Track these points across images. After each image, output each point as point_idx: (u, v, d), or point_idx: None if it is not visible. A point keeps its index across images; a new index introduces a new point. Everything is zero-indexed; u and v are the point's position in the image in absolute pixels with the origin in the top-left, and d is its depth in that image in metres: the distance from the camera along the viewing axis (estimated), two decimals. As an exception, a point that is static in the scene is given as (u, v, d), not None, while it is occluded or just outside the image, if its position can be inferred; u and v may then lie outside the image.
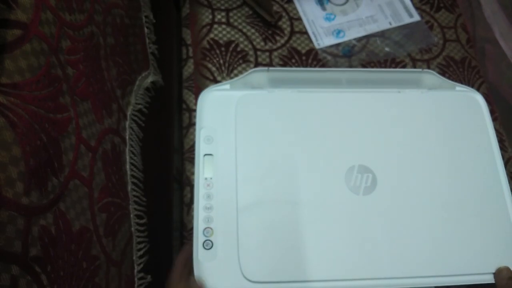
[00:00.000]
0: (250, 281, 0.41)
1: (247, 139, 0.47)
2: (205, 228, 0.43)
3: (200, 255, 0.42)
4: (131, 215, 0.44)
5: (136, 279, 0.44)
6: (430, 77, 0.53)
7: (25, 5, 0.28)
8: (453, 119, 0.50)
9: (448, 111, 0.51)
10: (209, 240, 0.42)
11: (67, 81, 0.32)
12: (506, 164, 0.65)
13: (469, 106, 0.51)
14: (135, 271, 0.44)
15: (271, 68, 0.50)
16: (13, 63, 0.26)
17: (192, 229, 0.44)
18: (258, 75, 0.50)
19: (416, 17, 0.73)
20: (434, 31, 0.74)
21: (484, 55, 0.72)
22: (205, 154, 0.46)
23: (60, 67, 0.31)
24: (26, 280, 0.25)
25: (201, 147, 0.46)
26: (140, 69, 0.52)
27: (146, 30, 0.55)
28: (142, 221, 0.46)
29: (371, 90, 0.51)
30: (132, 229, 0.44)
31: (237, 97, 0.49)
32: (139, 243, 0.45)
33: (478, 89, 0.69)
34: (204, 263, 0.42)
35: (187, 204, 0.60)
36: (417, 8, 0.74)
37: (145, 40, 0.55)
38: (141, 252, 0.45)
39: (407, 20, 0.73)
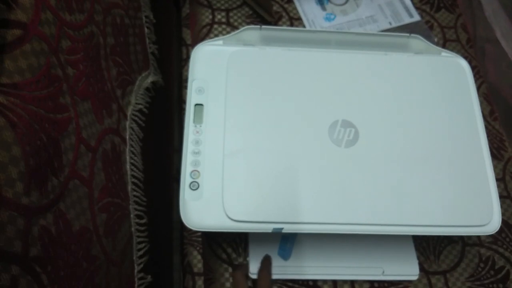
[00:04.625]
0: (232, 219, 0.44)
1: (236, 92, 0.49)
2: (192, 171, 0.45)
3: (186, 195, 0.44)
4: (131, 215, 0.44)
5: (136, 279, 0.44)
6: (417, 42, 0.54)
7: (25, 5, 0.28)
8: (437, 81, 0.52)
9: (432, 73, 0.53)
10: (195, 181, 0.45)
11: (67, 81, 0.32)
12: (506, 164, 0.65)
13: (453, 70, 0.53)
14: (135, 271, 0.44)
15: (263, 26, 0.52)
16: (13, 63, 0.26)
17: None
18: (250, 32, 0.52)
19: (416, 17, 0.73)
20: (434, 31, 0.74)
21: (485, 55, 0.72)
22: (196, 104, 0.48)
23: (60, 67, 0.31)
24: (27, 280, 0.25)
25: (192, 97, 0.48)
26: (140, 69, 0.52)
27: (146, 30, 0.55)
28: (142, 221, 0.46)
29: (359, 51, 0.53)
30: (132, 229, 0.44)
31: (229, 52, 0.51)
32: (139, 243, 0.45)
33: (478, 89, 0.69)
34: (190, 202, 0.44)
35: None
36: (417, 8, 0.74)
37: (145, 40, 0.55)
38: (141, 252, 0.45)
39: (407, 20, 0.73)
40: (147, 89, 0.53)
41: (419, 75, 0.52)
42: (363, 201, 0.45)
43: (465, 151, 0.48)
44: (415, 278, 0.55)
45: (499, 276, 0.58)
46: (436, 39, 0.73)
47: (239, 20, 0.71)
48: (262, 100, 0.48)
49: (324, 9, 0.73)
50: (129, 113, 0.48)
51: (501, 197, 0.61)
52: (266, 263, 0.53)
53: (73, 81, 0.33)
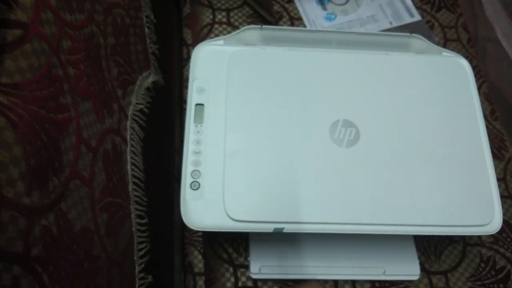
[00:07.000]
0: (233, 219, 0.44)
1: (237, 91, 0.49)
2: (193, 171, 0.46)
3: (187, 195, 0.45)
4: (132, 215, 0.44)
5: (137, 279, 0.44)
6: (418, 41, 0.54)
7: (26, 5, 0.27)
8: (437, 81, 0.52)
9: (433, 73, 0.53)
10: (196, 181, 0.45)
11: (68, 81, 0.32)
12: (507, 163, 0.65)
13: (454, 70, 0.53)
14: (136, 271, 0.44)
15: (264, 26, 0.52)
16: (14, 63, 0.26)
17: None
18: (251, 32, 0.53)
19: (417, 17, 0.73)
20: (435, 30, 0.74)
21: (485, 55, 0.72)
22: (197, 104, 0.48)
23: (61, 67, 0.31)
24: (28, 280, 0.25)
25: (193, 97, 0.49)
26: (141, 69, 0.52)
27: (146, 30, 0.55)
28: (143, 221, 0.46)
29: (359, 51, 0.53)
30: (133, 229, 0.44)
31: (230, 52, 0.51)
32: (140, 243, 0.45)
33: (479, 89, 0.69)
34: (191, 202, 0.44)
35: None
36: (418, 8, 0.74)
37: (145, 40, 0.55)
38: (142, 252, 0.45)
39: (408, 19, 0.73)
40: (147, 89, 0.53)
41: (420, 75, 0.52)
42: (364, 201, 0.45)
43: (466, 151, 0.48)
44: (416, 278, 0.55)
45: (500, 276, 0.58)
46: (437, 39, 0.73)
47: (240, 20, 0.71)
48: (262, 99, 0.48)
49: (324, 8, 0.73)
50: (130, 113, 0.48)
51: (502, 197, 0.61)
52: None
53: (74, 81, 0.33)
